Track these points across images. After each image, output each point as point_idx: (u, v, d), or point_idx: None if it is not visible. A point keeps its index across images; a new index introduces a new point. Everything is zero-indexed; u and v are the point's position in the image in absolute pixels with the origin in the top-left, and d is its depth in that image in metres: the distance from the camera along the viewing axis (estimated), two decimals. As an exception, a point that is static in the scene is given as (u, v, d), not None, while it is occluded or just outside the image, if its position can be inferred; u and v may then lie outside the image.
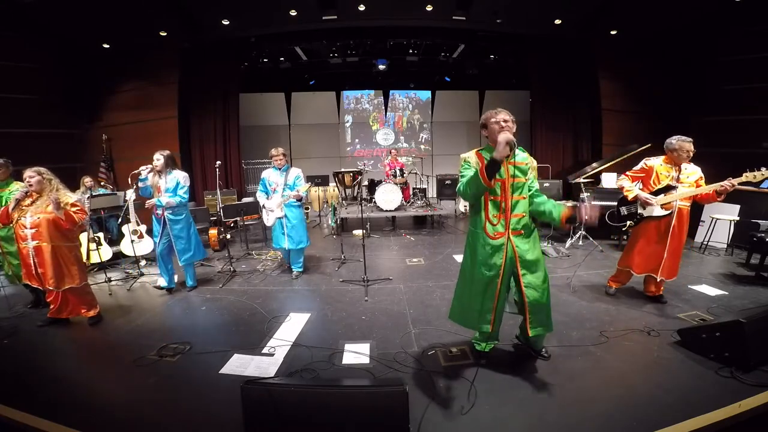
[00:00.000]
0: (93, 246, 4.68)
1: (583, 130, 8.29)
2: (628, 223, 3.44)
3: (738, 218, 5.01)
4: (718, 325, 2.46)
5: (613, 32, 7.26)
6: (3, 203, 3.44)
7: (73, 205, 3.17)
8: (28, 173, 3.11)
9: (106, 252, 4.86)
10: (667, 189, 3.19)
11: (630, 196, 3.32)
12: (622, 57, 7.59)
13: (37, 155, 5.35)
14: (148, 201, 3.78)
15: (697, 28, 6.69)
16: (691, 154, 3.14)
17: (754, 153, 5.93)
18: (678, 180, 3.18)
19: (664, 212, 3.20)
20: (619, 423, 1.94)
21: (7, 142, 5.88)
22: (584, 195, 5.35)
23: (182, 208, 3.91)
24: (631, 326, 2.96)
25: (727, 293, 3.62)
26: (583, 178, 5.85)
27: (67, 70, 6.96)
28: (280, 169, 4.27)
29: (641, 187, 3.36)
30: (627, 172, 3.45)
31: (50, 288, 3.17)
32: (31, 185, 3.08)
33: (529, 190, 2.30)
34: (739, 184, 2.97)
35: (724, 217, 5.00)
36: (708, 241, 5.10)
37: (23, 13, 5.70)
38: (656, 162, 3.28)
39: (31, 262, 3.13)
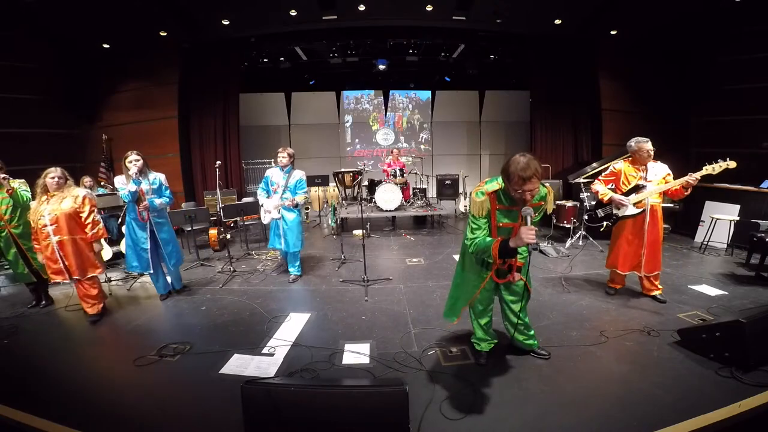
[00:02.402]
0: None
1: (583, 130, 8.29)
2: (605, 223, 3.61)
3: (738, 218, 5.01)
4: (718, 325, 2.46)
5: (613, 32, 7.25)
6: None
7: (92, 205, 3.38)
8: (57, 173, 3.25)
9: (106, 252, 4.85)
10: (637, 188, 3.35)
11: (605, 199, 3.47)
12: (622, 57, 7.59)
13: (37, 155, 5.38)
14: (142, 204, 3.56)
15: (697, 28, 6.69)
16: (652, 153, 3.30)
17: (755, 153, 5.93)
18: (646, 179, 3.33)
19: (637, 210, 3.35)
20: (619, 423, 1.95)
21: (7, 142, 5.89)
22: (584, 195, 5.35)
23: (164, 210, 3.81)
24: (631, 326, 2.96)
25: (727, 293, 3.62)
26: (583, 178, 5.85)
27: (67, 70, 6.96)
28: (283, 169, 4.18)
29: (613, 189, 3.51)
30: (599, 177, 3.62)
31: (77, 278, 3.31)
32: (56, 184, 3.23)
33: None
34: (701, 177, 3.14)
35: (724, 217, 5.00)
36: (708, 241, 5.10)
37: (23, 13, 5.70)
38: (622, 165, 3.46)
39: (58, 256, 3.26)
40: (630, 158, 3.45)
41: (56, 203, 3.23)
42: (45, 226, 3.20)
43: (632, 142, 3.36)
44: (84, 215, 3.31)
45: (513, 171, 1.92)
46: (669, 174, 3.33)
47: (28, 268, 3.64)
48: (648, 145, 3.28)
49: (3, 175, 3.46)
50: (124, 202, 3.60)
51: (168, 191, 3.75)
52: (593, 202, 5.59)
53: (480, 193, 2.12)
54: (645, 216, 3.31)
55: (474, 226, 2.18)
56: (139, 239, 3.65)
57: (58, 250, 3.24)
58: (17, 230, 3.55)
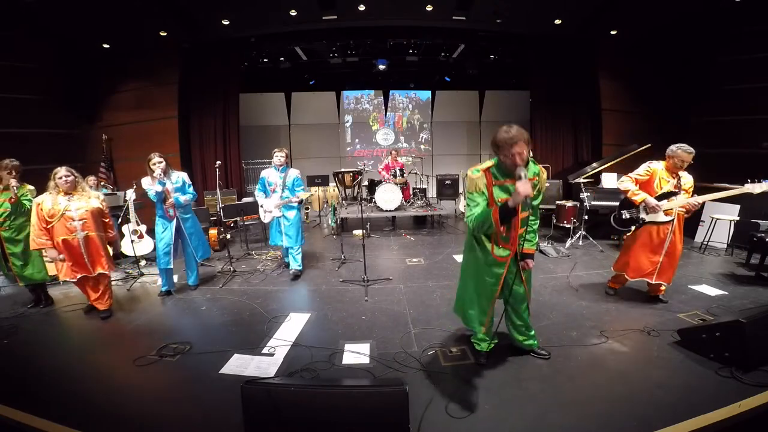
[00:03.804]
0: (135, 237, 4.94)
1: (583, 130, 8.29)
2: (633, 228, 3.37)
3: (738, 218, 5.00)
4: (718, 325, 2.46)
5: (613, 32, 7.26)
6: None
7: (107, 207, 3.61)
8: (64, 172, 3.30)
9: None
10: (669, 195, 3.18)
11: (638, 200, 3.21)
12: (622, 57, 7.60)
13: (37, 155, 5.37)
14: (168, 201, 3.72)
15: (697, 28, 6.69)
16: (684, 165, 3.13)
17: (755, 153, 5.93)
18: (680, 187, 3.17)
19: (666, 218, 3.18)
20: (619, 423, 1.95)
21: (7, 142, 5.89)
22: (584, 195, 5.35)
23: (189, 207, 4.01)
24: (631, 326, 2.96)
25: (727, 293, 3.62)
26: (583, 178, 5.84)
27: (67, 70, 6.95)
28: (279, 168, 4.32)
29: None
30: (630, 175, 3.31)
31: (103, 271, 3.43)
32: (67, 183, 3.29)
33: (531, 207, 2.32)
34: (741, 194, 3.07)
35: (724, 217, 5.00)
36: (708, 241, 5.09)
37: (23, 13, 5.70)
38: (659, 166, 3.23)
39: (82, 251, 3.33)
40: (665, 161, 3.22)
41: (83, 201, 3.35)
42: (72, 220, 3.26)
43: (674, 147, 3.13)
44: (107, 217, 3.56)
45: (500, 138, 2.08)
46: (692, 186, 3.21)
47: (5, 270, 3.74)
48: (688, 156, 3.08)
49: (15, 183, 3.48)
50: (153, 201, 3.77)
51: (191, 188, 3.98)
52: (597, 202, 5.65)
53: (476, 171, 2.22)
54: (670, 225, 3.18)
55: (472, 204, 2.21)
56: (165, 235, 3.80)
57: (83, 245, 3.31)
58: (6, 233, 3.59)
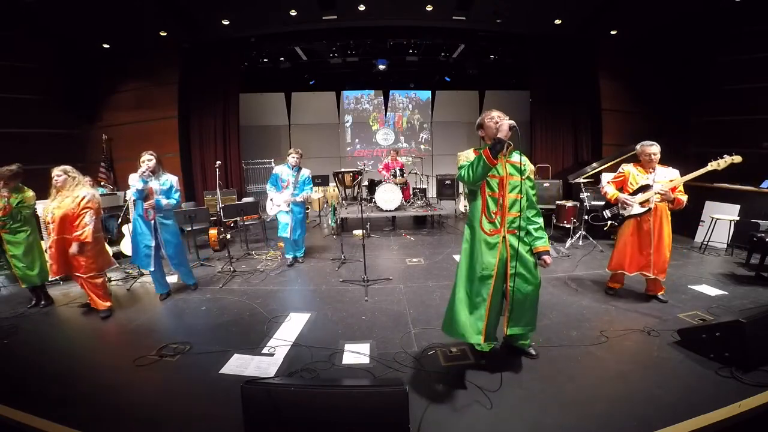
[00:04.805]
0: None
1: (583, 130, 8.29)
2: (609, 223, 3.65)
3: (738, 218, 5.01)
4: (718, 325, 2.46)
5: (613, 32, 7.25)
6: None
7: (84, 207, 3.31)
8: (56, 172, 3.33)
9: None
10: (644, 188, 3.36)
11: (612, 200, 3.50)
12: (622, 57, 7.59)
13: (37, 155, 5.37)
14: (147, 203, 3.61)
15: (697, 28, 6.69)
16: (653, 158, 3.30)
17: (755, 153, 5.92)
18: (654, 180, 3.33)
19: (641, 209, 3.36)
20: (619, 423, 1.95)
21: (7, 142, 5.90)
22: (584, 195, 5.35)
23: (171, 212, 3.85)
24: (631, 326, 2.96)
25: (727, 293, 3.62)
26: (583, 178, 5.84)
27: (67, 70, 6.96)
28: (292, 168, 4.66)
29: (621, 190, 3.51)
30: (610, 180, 3.61)
31: (54, 277, 3.48)
32: (58, 183, 3.32)
33: (527, 199, 2.35)
34: (705, 172, 3.19)
35: (724, 217, 5.00)
36: (708, 241, 5.10)
37: (23, 13, 5.70)
38: (630, 167, 3.47)
39: (56, 255, 3.38)
40: (639, 161, 3.47)
41: (59, 202, 3.32)
42: (48, 224, 3.31)
43: (638, 145, 3.41)
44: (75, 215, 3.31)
45: (482, 117, 2.34)
46: (676, 178, 3.29)
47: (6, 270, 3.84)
48: (649, 149, 3.29)
49: (5, 193, 3.45)
50: (134, 199, 3.68)
51: (177, 194, 3.81)
52: (597, 202, 5.64)
53: (466, 151, 2.35)
54: (650, 216, 3.31)
55: (463, 163, 2.25)
56: (143, 236, 3.70)
57: (56, 248, 3.35)
58: (7, 236, 3.60)
